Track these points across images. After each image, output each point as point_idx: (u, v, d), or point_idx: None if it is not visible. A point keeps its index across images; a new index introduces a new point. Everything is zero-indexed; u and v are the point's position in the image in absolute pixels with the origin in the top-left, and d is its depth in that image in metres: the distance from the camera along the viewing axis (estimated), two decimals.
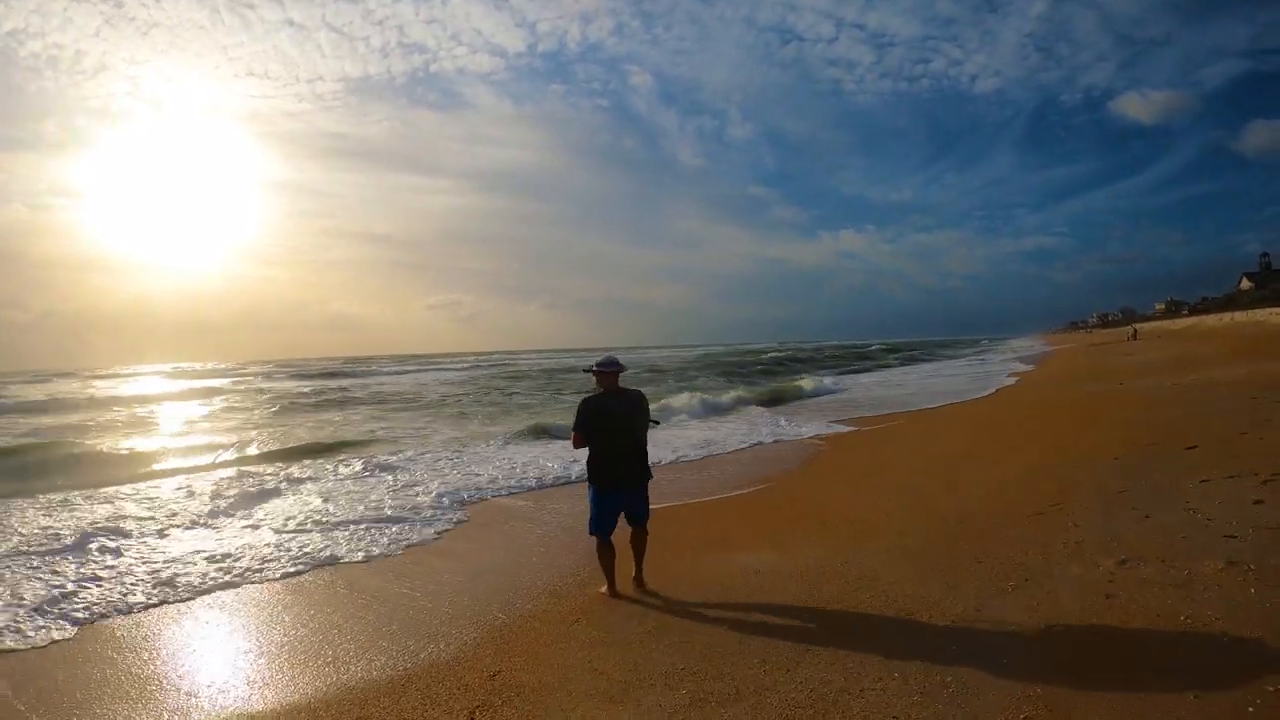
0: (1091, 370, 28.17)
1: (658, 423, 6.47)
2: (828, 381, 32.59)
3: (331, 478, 12.09)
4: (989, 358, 57.93)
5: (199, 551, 7.80)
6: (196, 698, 4.61)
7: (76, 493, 11.20)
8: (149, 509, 9.85)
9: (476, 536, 8.42)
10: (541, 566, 7.19)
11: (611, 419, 5.75)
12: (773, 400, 24.83)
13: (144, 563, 7.45)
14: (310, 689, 4.65)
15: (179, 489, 11.39)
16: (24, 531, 8.59)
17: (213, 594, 6.63)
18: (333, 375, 58.45)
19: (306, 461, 14.34)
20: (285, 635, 5.60)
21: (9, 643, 5.52)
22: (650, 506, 6.16)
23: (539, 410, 24.88)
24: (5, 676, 4.94)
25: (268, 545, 8.01)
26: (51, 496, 10.92)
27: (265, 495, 10.56)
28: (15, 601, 6.28)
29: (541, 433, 17.07)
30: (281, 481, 11.61)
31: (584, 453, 5.90)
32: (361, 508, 9.55)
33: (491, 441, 16.40)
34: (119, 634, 5.75)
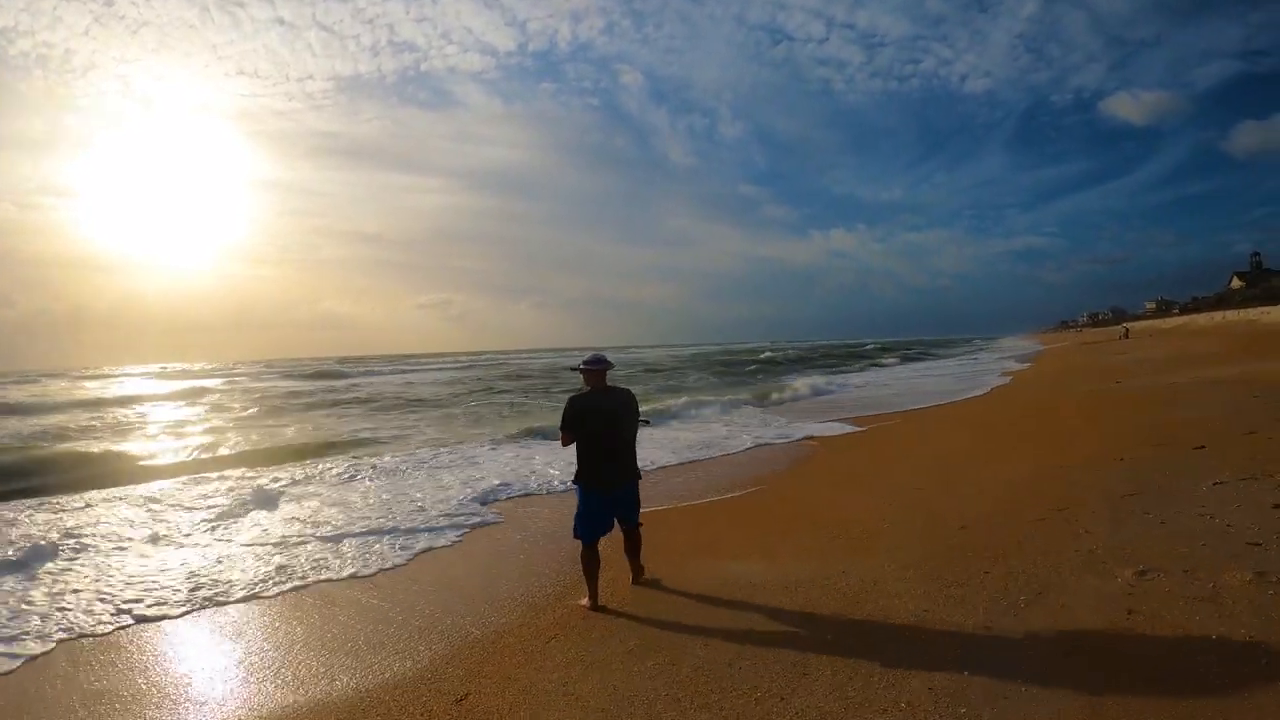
0: (1086, 369, 27.87)
1: (648, 422, 6.28)
2: (820, 381, 32.23)
3: (316, 484, 11.70)
4: (981, 357, 57.70)
5: (164, 568, 7.37)
6: None
7: (41, 500, 10.78)
8: (117, 520, 9.45)
9: (454, 540, 8.04)
10: (519, 575, 6.85)
11: (599, 418, 5.59)
12: (764, 400, 24.46)
13: (98, 580, 7.04)
14: (264, 712, 4.31)
15: (153, 497, 10.95)
16: None
17: (176, 614, 6.21)
18: (323, 376, 57.76)
19: (291, 465, 13.92)
20: (246, 654, 5.28)
21: None
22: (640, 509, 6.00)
23: (529, 410, 24.58)
24: None
25: (233, 558, 7.63)
26: (21, 504, 10.50)
27: (242, 504, 10.09)
28: None
29: (533, 434, 16.62)
30: (263, 487, 11.18)
31: (573, 453, 5.73)
32: (344, 518, 9.13)
33: (482, 444, 16.02)
34: (60, 660, 5.38)
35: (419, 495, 10.32)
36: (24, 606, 6.31)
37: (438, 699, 4.33)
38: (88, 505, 10.41)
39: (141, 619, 6.05)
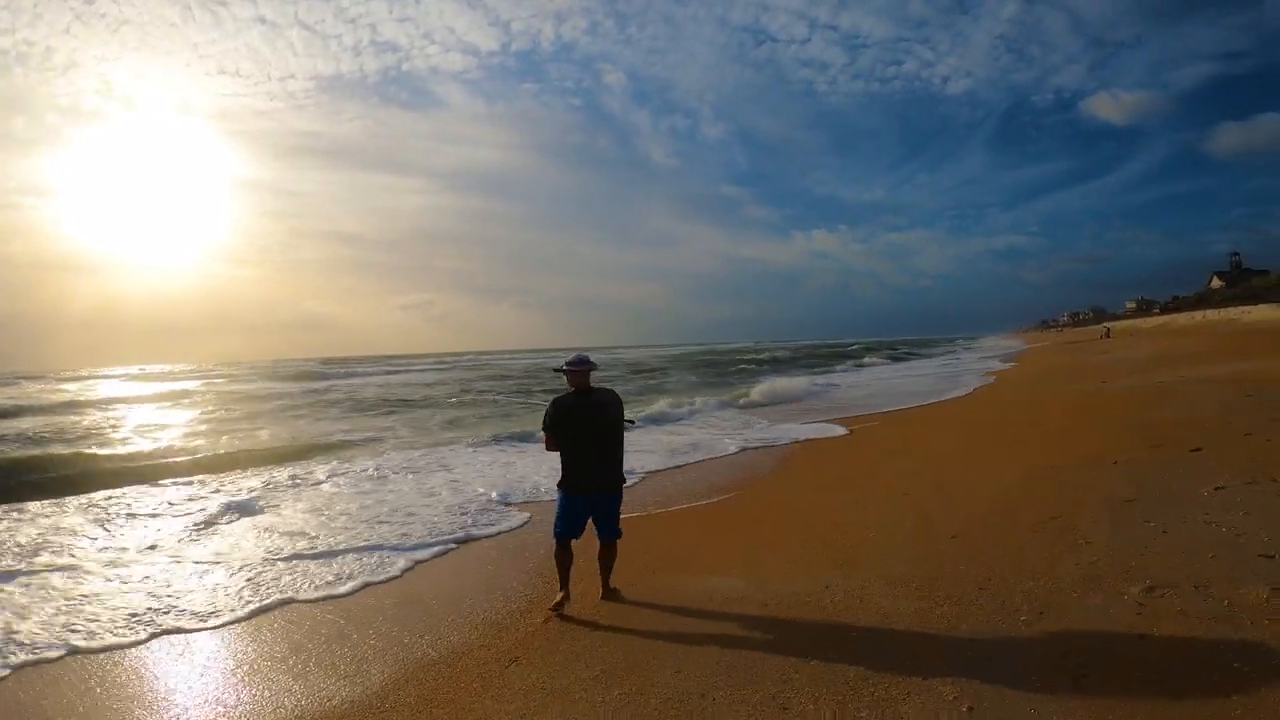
0: (1071, 369, 27.68)
1: (633, 423, 6.11)
2: (804, 381, 31.97)
3: (287, 492, 11.20)
4: (965, 356, 57.67)
5: (120, 587, 6.83)
6: None
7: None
8: (75, 532, 8.96)
9: (426, 556, 7.58)
10: (483, 590, 6.45)
11: (582, 420, 5.46)
12: (748, 401, 24.07)
13: (47, 601, 6.49)
14: None
15: (115, 505, 10.45)
16: None
17: (126, 641, 5.71)
18: (303, 377, 56.97)
19: (264, 470, 13.45)
20: (185, 684, 4.85)
21: None
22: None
23: (509, 413, 24.16)
24: None
25: (192, 576, 7.11)
26: None
27: (209, 515, 9.54)
28: None
29: (514, 438, 16.12)
30: (232, 496, 10.71)
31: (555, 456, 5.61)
32: (313, 531, 8.58)
33: (460, 448, 15.59)
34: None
35: (393, 506, 9.77)
36: None
37: None
38: (41, 515, 9.85)
39: (74, 651, 5.50)
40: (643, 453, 13.11)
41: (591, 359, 5.63)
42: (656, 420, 19.00)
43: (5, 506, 10.36)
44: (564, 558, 5.66)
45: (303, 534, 8.47)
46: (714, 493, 9.95)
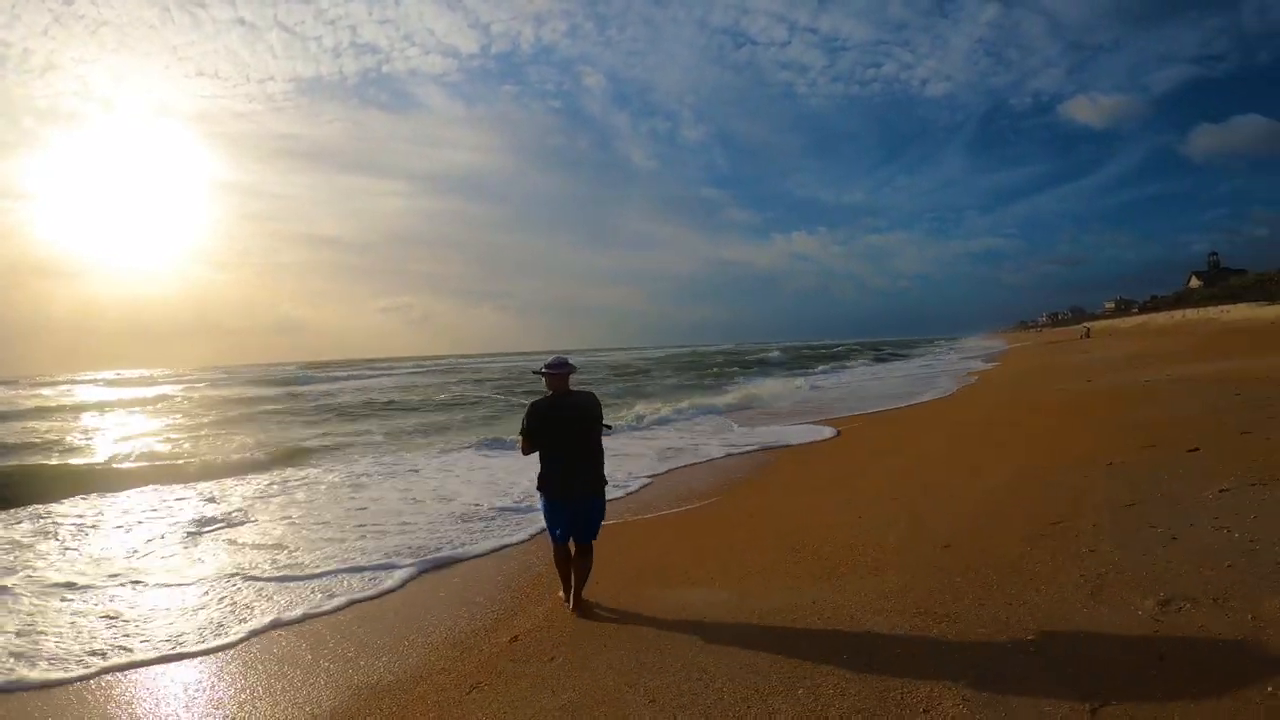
0: (1054, 368, 27.56)
1: (610, 427, 5.89)
2: (787, 382, 31.81)
3: (257, 501, 10.80)
4: (946, 357, 57.66)
5: (71, 615, 6.25)
6: None
7: None
8: (28, 549, 8.42)
9: (391, 575, 7.15)
10: (446, 605, 6.09)
11: (560, 423, 5.39)
12: (730, 403, 23.73)
13: None
14: None
15: (76, 520, 9.89)
16: None
17: (72, 676, 5.24)
18: (281, 382, 56.11)
19: (234, 479, 13.03)
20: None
21: None
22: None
23: (488, 416, 23.81)
24: None
25: (151, 602, 6.58)
26: None
27: (176, 531, 9.05)
28: None
29: (492, 443, 15.68)
30: (199, 510, 10.24)
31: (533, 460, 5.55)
32: (282, 548, 8.05)
33: (434, 453, 15.26)
34: None
35: (366, 520, 9.28)
36: None
37: None
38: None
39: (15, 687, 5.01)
40: (622, 457, 12.74)
41: (570, 361, 5.52)
42: (634, 425, 18.62)
43: None
44: (563, 560, 5.64)
45: (271, 547, 8.09)
46: (694, 498, 9.60)
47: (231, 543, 8.40)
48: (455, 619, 5.73)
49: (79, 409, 35.13)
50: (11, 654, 5.38)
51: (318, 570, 7.16)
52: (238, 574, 7.15)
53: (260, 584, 6.86)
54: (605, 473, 5.62)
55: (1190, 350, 26.63)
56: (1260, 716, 3.01)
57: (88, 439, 21.80)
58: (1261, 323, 44.65)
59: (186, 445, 19.18)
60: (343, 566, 7.22)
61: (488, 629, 5.46)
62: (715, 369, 50.08)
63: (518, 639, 5.14)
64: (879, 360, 58.81)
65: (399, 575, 6.93)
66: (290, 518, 9.58)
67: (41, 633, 5.80)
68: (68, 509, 10.56)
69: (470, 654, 4.98)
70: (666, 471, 11.70)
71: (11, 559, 7.94)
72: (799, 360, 62.13)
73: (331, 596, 6.45)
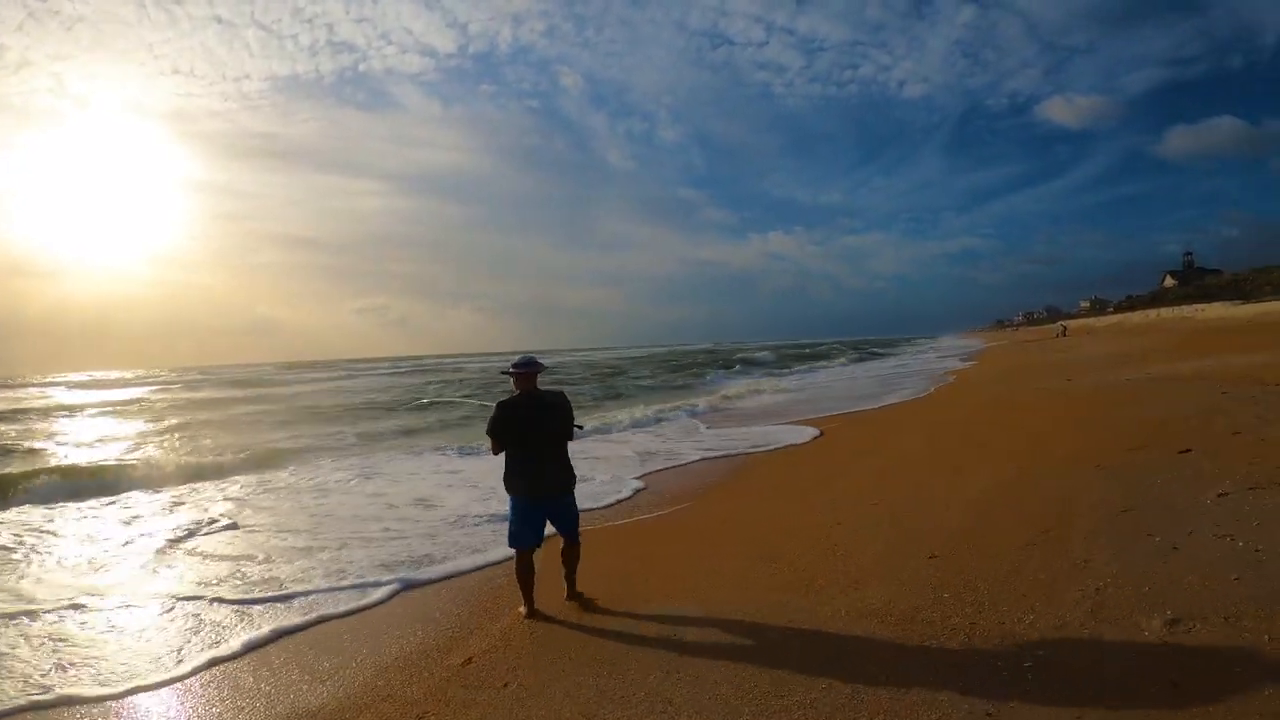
0: (1033, 367, 27.49)
1: (581, 427, 5.86)
2: (765, 383, 31.65)
3: (221, 506, 10.40)
4: (924, 356, 57.78)
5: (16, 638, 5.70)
6: None
7: None
8: None
9: (352, 597, 6.72)
10: (404, 622, 5.71)
11: (529, 423, 5.34)
12: (707, 405, 23.40)
13: None
14: None
15: (35, 529, 9.35)
16: None
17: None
18: (254, 383, 55.10)
19: (201, 485, 12.57)
20: None
21: None
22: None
23: (460, 417, 23.38)
24: None
25: (89, 632, 5.90)
26: None
27: (132, 545, 8.52)
28: None
29: (471, 450, 15.16)
30: (170, 517, 9.81)
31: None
32: (241, 563, 7.50)
33: (406, 455, 14.91)
34: None
35: (342, 528, 8.83)
36: None
37: None
38: None
39: None
40: (593, 460, 12.37)
41: (539, 360, 5.47)
42: (603, 430, 18.20)
43: None
44: (526, 571, 5.49)
45: (239, 558, 7.67)
46: (665, 504, 9.25)
47: (196, 555, 7.95)
48: (409, 638, 5.35)
49: (47, 412, 34.11)
50: None
51: (281, 591, 6.60)
52: (196, 595, 6.60)
53: (213, 605, 6.34)
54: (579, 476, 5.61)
55: (1168, 349, 26.67)
56: None
57: (52, 443, 21.03)
58: (1237, 321, 45.14)
59: (156, 450, 18.59)
60: (304, 588, 6.64)
61: (442, 649, 5.08)
62: (693, 369, 49.75)
63: (472, 661, 4.78)
64: (860, 359, 58.74)
65: (376, 594, 6.46)
66: (260, 527, 9.14)
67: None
68: (14, 517, 10.06)
69: (420, 678, 4.59)
70: (640, 475, 11.32)
71: None
72: (779, 360, 61.89)
73: (305, 612, 6.04)
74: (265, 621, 5.85)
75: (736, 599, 5.32)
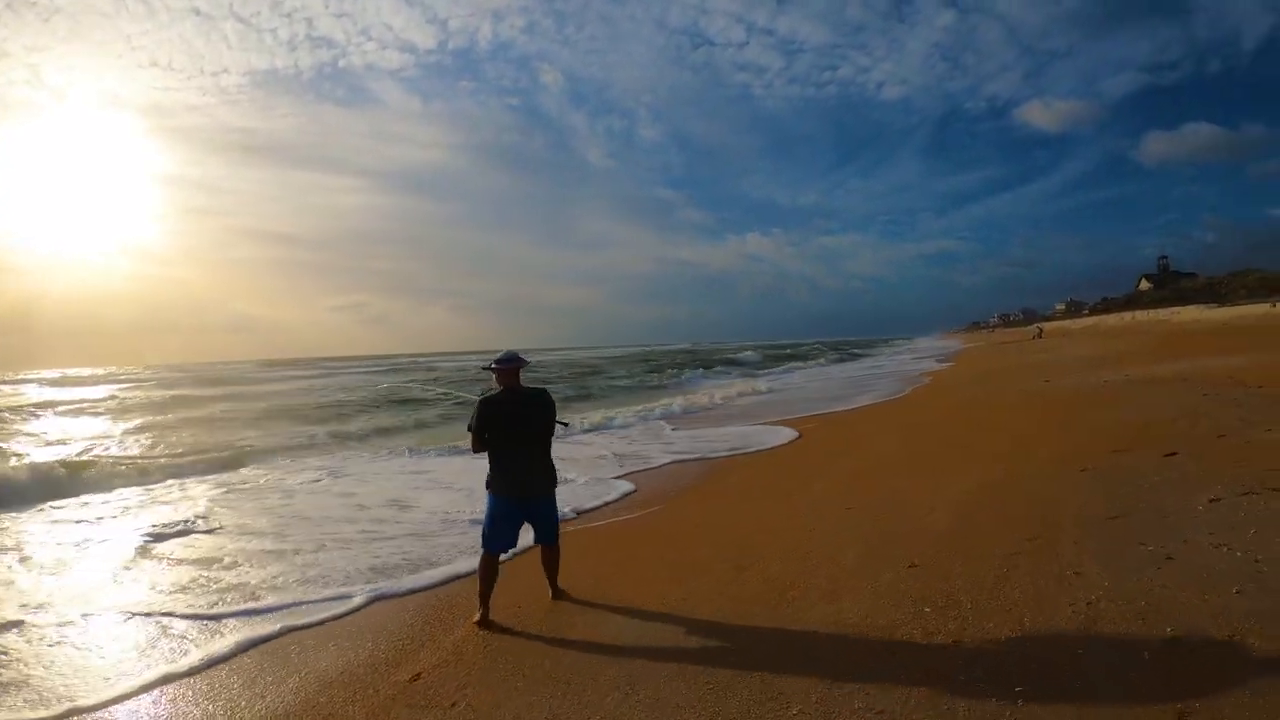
0: (1011, 368, 27.55)
1: (567, 424, 5.96)
2: (741, 383, 31.48)
3: (180, 508, 9.92)
4: (900, 357, 58.00)
5: None
6: None
7: None
8: None
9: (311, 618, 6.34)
10: (360, 633, 5.37)
11: (511, 420, 5.28)
12: (683, 406, 23.07)
13: None
14: None
15: None
16: None
17: None
18: (227, 381, 53.99)
19: (162, 488, 12.04)
20: None
21: None
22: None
23: (451, 414, 23.01)
24: None
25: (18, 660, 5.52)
26: None
27: (101, 546, 8.09)
28: None
29: (451, 450, 14.72)
30: (137, 519, 9.38)
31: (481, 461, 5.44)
32: (192, 581, 6.87)
33: (374, 457, 14.55)
34: None
35: (313, 532, 8.44)
36: None
37: None
38: None
39: None
40: (561, 462, 11.98)
41: (522, 356, 5.41)
42: (583, 429, 17.88)
43: None
44: (490, 573, 5.32)
45: (201, 563, 7.32)
46: (635, 507, 8.97)
47: (159, 561, 7.55)
48: (360, 650, 5.00)
49: (15, 409, 33.04)
50: None
51: (246, 604, 6.12)
52: (155, 605, 6.16)
53: (173, 616, 5.91)
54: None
55: (1145, 351, 26.81)
56: None
57: (13, 443, 20.26)
58: (1212, 324, 45.65)
59: (121, 449, 18.04)
60: (271, 601, 6.16)
61: (390, 663, 4.75)
62: (671, 370, 49.31)
63: (420, 677, 4.45)
64: (838, 360, 58.81)
65: (343, 605, 6.04)
66: (228, 529, 8.79)
67: None
68: None
69: (363, 696, 4.25)
70: (606, 479, 11.00)
71: None
72: (757, 360, 61.75)
73: (270, 623, 5.65)
74: (230, 633, 5.49)
75: (706, 609, 5.04)
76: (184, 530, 8.71)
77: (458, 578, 6.50)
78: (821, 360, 59.25)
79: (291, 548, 7.80)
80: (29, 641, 5.44)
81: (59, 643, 5.43)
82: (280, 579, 6.74)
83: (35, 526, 9.33)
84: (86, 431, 22.61)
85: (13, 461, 15.39)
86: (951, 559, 5.27)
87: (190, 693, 4.53)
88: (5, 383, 70.22)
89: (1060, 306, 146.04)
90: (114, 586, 6.80)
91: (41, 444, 19.70)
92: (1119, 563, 4.66)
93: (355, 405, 28.70)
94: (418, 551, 7.44)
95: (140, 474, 13.29)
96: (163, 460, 14.98)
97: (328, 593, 6.30)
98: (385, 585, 6.42)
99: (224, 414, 26.62)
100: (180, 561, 7.49)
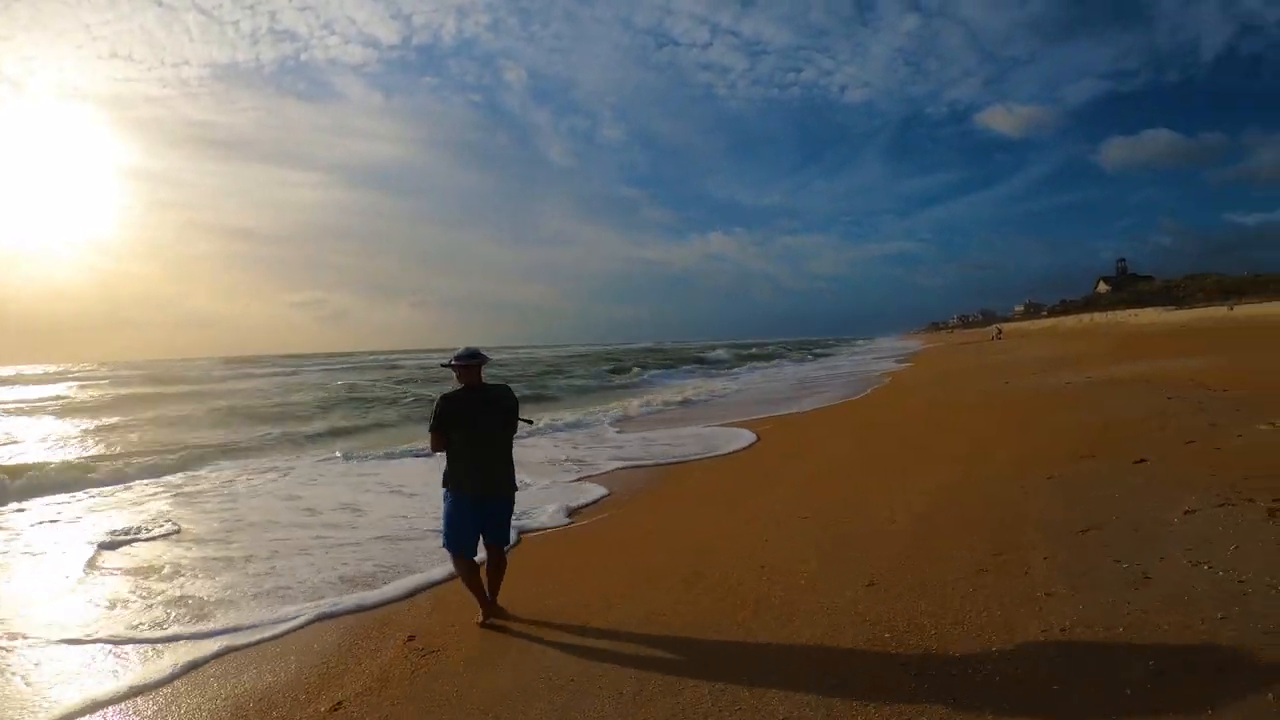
0: (971, 369, 27.66)
1: (530, 422, 5.93)
2: (700, 383, 31.25)
3: (150, 522, 9.21)
4: (861, 357, 58.26)
5: None
6: None
7: None
8: None
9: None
10: (291, 654, 5.05)
11: (472, 418, 5.19)
12: (640, 409, 22.65)
13: None
14: None
15: None
16: None
17: None
18: (191, 379, 52.33)
19: (100, 494, 11.48)
20: None
21: None
22: None
23: (406, 414, 22.66)
24: None
25: None
26: None
27: (33, 559, 7.58)
28: None
29: (417, 452, 14.34)
30: (77, 527, 8.99)
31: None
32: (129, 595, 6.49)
33: (319, 460, 14.12)
34: None
35: (249, 540, 8.08)
36: None
37: None
38: None
39: None
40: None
41: (483, 352, 5.33)
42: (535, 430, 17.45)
43: None
44: (470, 572, 5.27)
45: (144, 573, 6.99)
46: (583, 514, 8.56)
47: (97, 572, 7.13)
48: (281, 674, 4.67)
49: None
50: None
51: (183, 627, 5.67)
52: (92, 624, 5.72)
53: (106, 638, 5.49)
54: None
55: (1104, 353, 27.06)
56: None
57: None
58: (1171, 327, 46.56)
59: (74, 451, 17.44)
60: (207, 627, 5.65)
61: (311, 691, 4.39)
62: (631, 370, 48.88)
63: (340, 707, 4.13)
64: (799, 361, 58.89)
65: (283, 625, 5.64)
66: (179, 535, 8.50)
67: None
68: None
69: None
70: (548, 486, 10.59)
71: None
72: (719, 360, 61.64)
73: (209, 644, 5.30)
74: (167, 654, 5.15)
75: (650, 629, 4.73)
76: (131, 538, 8.41)
77: (395, 599, 6.09)
78: (783, 360, 59.31)
79: (242, 555, 7.52)
80: None
81: None
82: (231, 591, 6.45)
83: None
84: (32, 433, 21.82)
85: None
86: (912, 577, 4.94)
87: None
88: None
89: (1019, 308, 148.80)
90: (48, 603, 6.35)
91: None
92: (1093, 583, 4.36)
93: (313, 404, 28.21)
94: (370, 562, 7.09)
95: (86, 478, 12.80)
96: (111, 463, 14.44)
97: (267, 613, 5.89)
98: (326, 603, 6.05)
99: (179, 414, 25.82)
100: (124, 573, 7.14)
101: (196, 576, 6.88)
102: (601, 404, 24.36)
